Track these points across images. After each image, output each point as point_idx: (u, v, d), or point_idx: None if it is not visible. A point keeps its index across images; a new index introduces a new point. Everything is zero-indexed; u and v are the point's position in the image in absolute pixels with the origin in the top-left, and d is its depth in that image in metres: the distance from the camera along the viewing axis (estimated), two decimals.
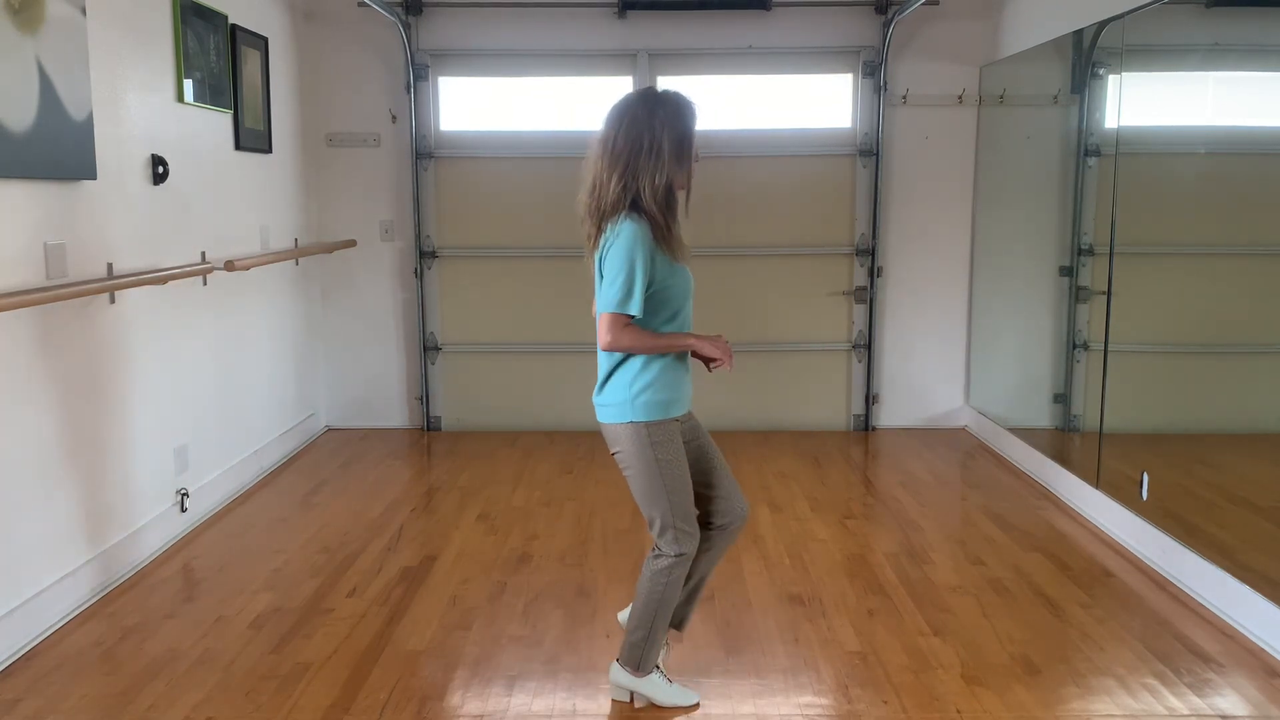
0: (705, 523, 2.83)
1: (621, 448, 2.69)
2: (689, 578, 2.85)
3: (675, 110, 2.61)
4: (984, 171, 5.88)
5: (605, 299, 2.56)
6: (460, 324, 6.11)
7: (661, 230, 2.59)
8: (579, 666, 3.12)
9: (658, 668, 2.88)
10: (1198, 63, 4.06)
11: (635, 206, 2.58)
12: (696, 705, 2.87)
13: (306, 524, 4.43)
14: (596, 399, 2.73)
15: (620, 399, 2.65)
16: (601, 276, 2.60)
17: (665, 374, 2.66)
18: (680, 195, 2.66)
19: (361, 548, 4.13)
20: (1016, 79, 5.44)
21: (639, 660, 2.83)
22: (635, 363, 2.64)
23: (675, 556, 2.72)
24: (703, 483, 2.82)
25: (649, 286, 2.58)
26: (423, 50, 5.85)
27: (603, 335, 2.57)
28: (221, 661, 3.13)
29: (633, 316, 2.55)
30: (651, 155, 2.56)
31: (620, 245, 2.54)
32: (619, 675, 2.87)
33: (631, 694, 2.88)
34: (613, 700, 2.91)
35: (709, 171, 5.88)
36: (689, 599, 2.94)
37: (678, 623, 2.97)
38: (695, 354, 2.72)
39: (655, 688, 2.85)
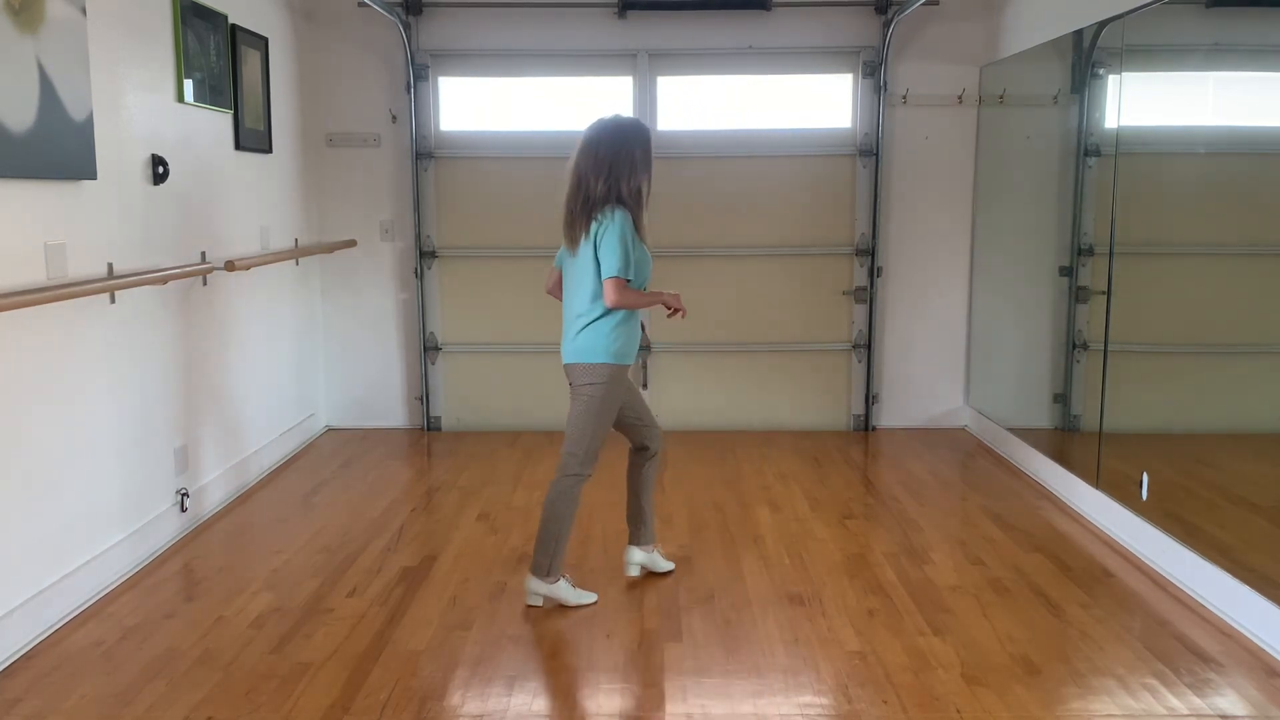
0: (641, 447, 3.73)
1: (590, 382, 3.44)
2: (640, 497, 3.74)
3: (639, 132, 3.47)
4: (984, 171, 5.88)
5: (608, 266, 3.33)
6: (460, 324, 6.11)
7: (637, 218, 3.42)
8: (579, 666, 3.12)
9: (564, 576, 3.55)
10: (1198, 63, 4.06)
11: (618, 200, 3.37)
12: (595, 601, 3.57)
13: (306, 524, 4.43)
14: (578, 346, 3.45)
15: (599, 345, 3.43)
16: (597, 251, 3.36)
17: (631, 332, 3.50)
18: (645, 193, 3.46)
19: (361, 548, 4.13)
20: (1016, 79, 5.44)
21: (548, 566, 3.50)
22: (613, 319, 3.43)
23: (577, 476, 3.51)
24: (635, 417, 3.67)
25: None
26: (423, 50, 5.85)
27: (609, 294, 3.34)
28: (221, 661, 3.13)
29: (628, 280, 3.36)
30: (627, 164, 3.38)
31: (615, 227, 3.34)
32: (534, 584, 3.52)
33: (544, 598, 3.53)
34: (528, 606, 3.52)
35: (710, 171, 5.92)
36: (645, 514, 3.75)
37: (650, 536, 3.78)
38: (665, 305, 3.55)
39: (563, 590, 3.53)
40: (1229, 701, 2.90)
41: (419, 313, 6.04)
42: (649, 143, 3.47)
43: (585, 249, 3.40)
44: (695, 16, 5.80)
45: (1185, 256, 4.07)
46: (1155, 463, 4.10)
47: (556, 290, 3.67)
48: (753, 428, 6.08)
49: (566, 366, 3.52)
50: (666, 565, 3.87)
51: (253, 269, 4.89)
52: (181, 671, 3.06)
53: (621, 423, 3.65)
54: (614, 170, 3.37)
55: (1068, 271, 4.85)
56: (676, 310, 3.55)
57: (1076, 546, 4.14)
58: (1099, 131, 4.51)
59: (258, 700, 2.90)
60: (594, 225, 3.37)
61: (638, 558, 3.80)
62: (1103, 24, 4.39)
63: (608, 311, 3.41)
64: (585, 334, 3.43)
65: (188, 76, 4.31)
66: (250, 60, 4.95)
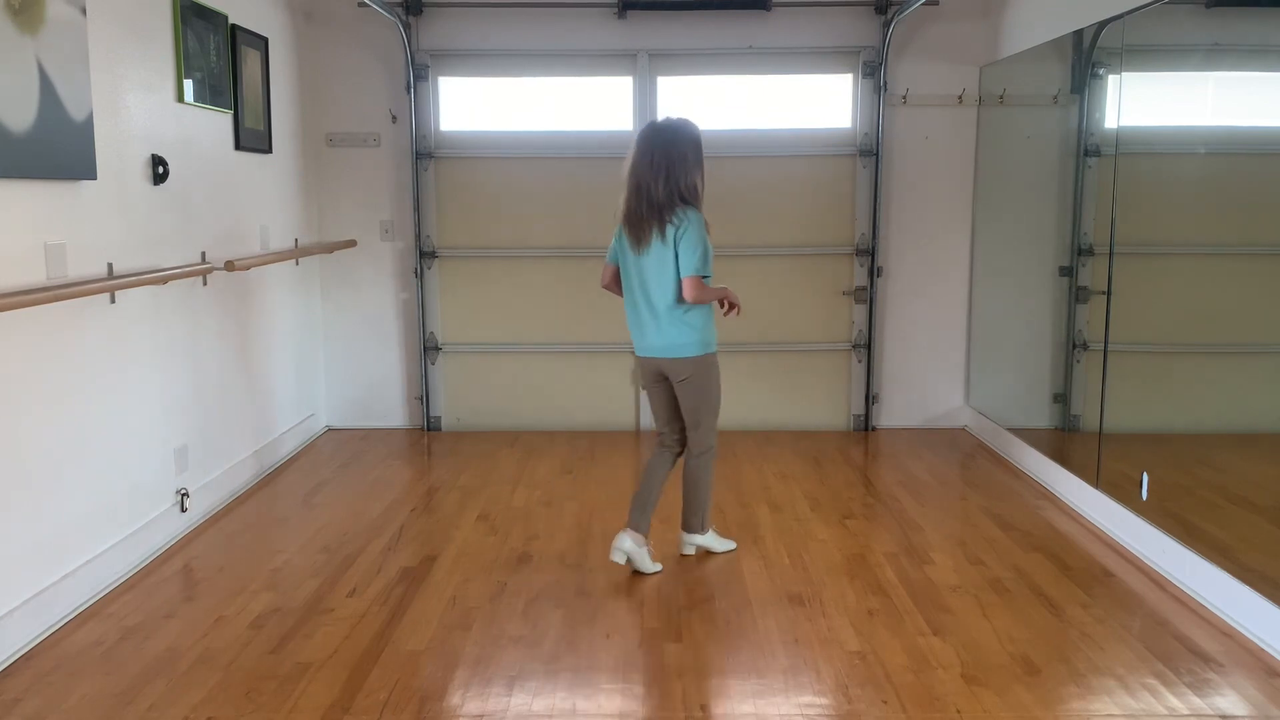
0: (682, 442, 3.92)
1: (693, 373, 3.77)
2: (655, 488, 3.88)
3: (689, 131, 3.70)
4: (984, 171, 5.88)
5: (688, 265, 3.61)
6: (460, 324, 6.11)
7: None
8: (579, 666, 3.12)
9: (712, 528, 4.05)
10: (1198, 63, 4.06)
11: (682, 200, 3.63)
12: (735, 548, 4.07)
13: (306, 524, 4.43)
14: (671, 342, 3.73)
15: (695, 339, 3.74)
16: (678, 252, 3.62)
17: (712, 319, 3.80)
18: (700, 189, 3.70)
19: (361, 548, 4.14)
20: (1016, 79, 5.44)
21: (699, 523, 3.96)
22: (700, 313, 3.73)
23: (709, 450, 3.87)
24: (678, 415, 3.90)
25: None
26: (423, 50, 5.85)
27: (689, 291, 3.63)
28: (221, 661, 3.13)
29: (706, 277, 3.64)
30: (680, 163, 3.63)
31: (694, 227, 3.62)
32: (694, 538, 3.98)
33: (696, 547, 4.00)
34: (681, 555, 3.99)
35: (709, 171, 5.89)
36: (649, 502, 3.86)
37: (646, 528, 3.86)
38: (724, 301, 3.80)
39: (711, 539, 4.02)
40: (1229, 701, 2.90)
41: (419, 313, 6.05)
42: (699, 140, 3.70)
43: (661, 250, 3.64)
44: (695, 16, 5.80)
45: (1185, 256, 4.07)
46: (1155, 463, 4.10)
47: (614, 285, 3.89)
48: (753, 428, 6.08)
49: (662, 361, 3.79)
50: (652, 567, 3.85)
51: (253, 269, 4.90)
52: (181, 671, 3.07)
53: (670, 412, 3.91)
54: (670, 171, 3.61)
55: (1068, 271, 4.86)
56: (734, 307, 3.79)
57: (1076, 546, 4.14)
58: (1099, 131, 4.51)
59: (258, 700, 2.90)
60: (670, 228, 3.61)
61: (626, 545, 3.80)
62: (1103, 24, 4.39)
63: (692, 307, 3.70)
64: (678, 330, 3.72)
65: (188, 76, 4.31)
66: (250, 60, 4.95)
